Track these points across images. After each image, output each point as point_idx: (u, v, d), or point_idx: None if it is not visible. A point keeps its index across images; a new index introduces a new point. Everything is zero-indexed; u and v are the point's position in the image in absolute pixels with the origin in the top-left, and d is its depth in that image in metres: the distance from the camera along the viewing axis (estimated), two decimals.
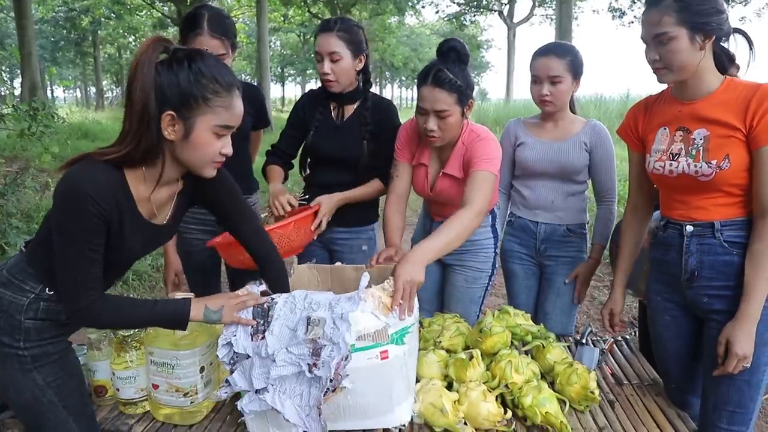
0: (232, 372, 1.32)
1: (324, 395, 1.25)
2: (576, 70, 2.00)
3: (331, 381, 1.24)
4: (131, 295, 1.44)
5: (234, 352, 1.32)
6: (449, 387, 1.53)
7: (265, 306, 1.35)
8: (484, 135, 1.87)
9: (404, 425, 1.42)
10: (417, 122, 1.88)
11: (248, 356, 1.31)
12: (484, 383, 1.51)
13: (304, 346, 1.28)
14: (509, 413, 1.45)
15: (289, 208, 1.96)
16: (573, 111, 2.13)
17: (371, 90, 2.15)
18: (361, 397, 1.35)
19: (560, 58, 1.97)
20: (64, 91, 56.68)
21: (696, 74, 1.44)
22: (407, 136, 2.01)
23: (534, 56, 2.05)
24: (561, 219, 2.13)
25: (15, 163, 7.45)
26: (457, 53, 1.77)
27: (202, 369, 1.38)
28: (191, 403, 1.38)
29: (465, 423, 1.42)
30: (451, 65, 1.75)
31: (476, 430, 1.42)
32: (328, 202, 1.99)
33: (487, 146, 1.82)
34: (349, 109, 2.11)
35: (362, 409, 1.37)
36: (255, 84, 2.60)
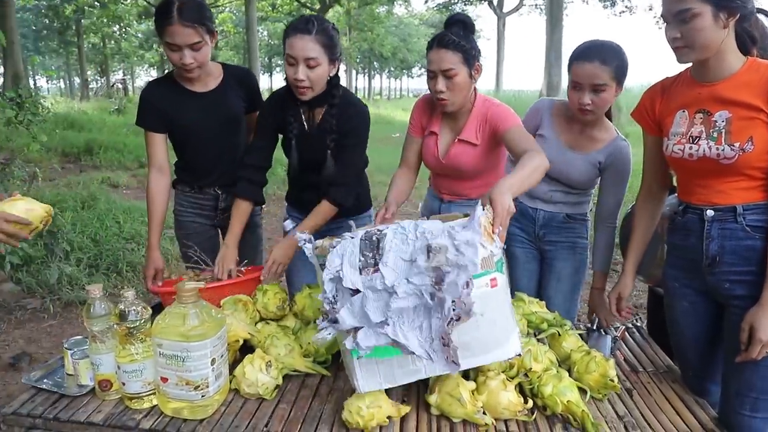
0: (332, 311, 1.27)
1: (448, 324, 1.20)
2: (622, 75, 1.86)
3: (454, 309, 1.19)
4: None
5: (338, 288, 1.27)
6: (466, 376, 1.49)
7: (374, 238, 1.29)
8: (498, 102, 1.95)
9: (519, 354, 1.40)
10: (428, 88, 1.93)
11: (355, 292, 1.26)
12: (501, 372, 1.48)
13: (425, 276, 1.23)
14: (530, 402, 1.41)
15: (226, 278, 1.97)
16: (609, 115, 2.03)
17: (344, 87, 2.01)
18: (478, 329, 1.30)
19: (606, 65, 1.81)
20: (47, 81, 55.75)
21: (717, 54, 1.40)
22: (419, 110, 2.10)
23: (575, 59, 1.87)
24: (560, 209, 2.10)
25: (0, 154, 7.29)
26: (464, 23, 1.86)
27: (213, 361, 1.32)
28: (202, 396, 1.32)
29: (484, 413, 1.38)
30: (455, 30, 1.83)
31: (495, 420, 1.39)
32: (283, 254, 1.96)
33: (506, 109, 1.92)
34: (319, 113, 2.02)
35: (480, 343, 1.33)
36: (245, 67, 2.52)
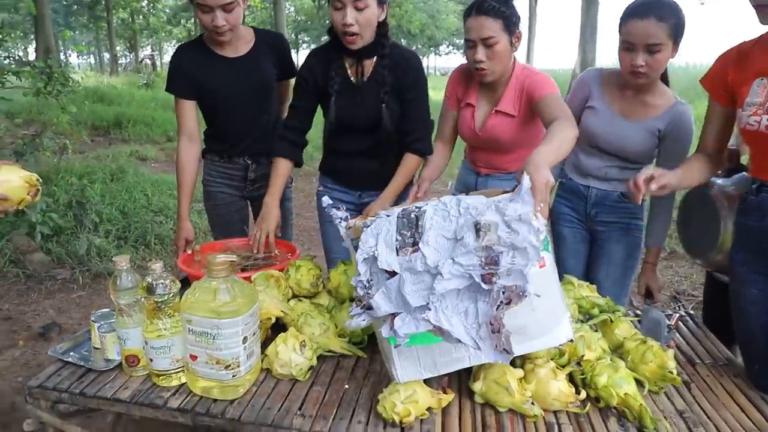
0: (366, 296, 1.18)
1: (497, 309, 1.10)
2: (678, 34, 1.68)
3: (503, 292, 1.09)
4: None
5: (372, 271, 1.18)
6: (512, 363, 1.39)
7: (412, 216, 1.19)
8: (538, 71, 1.87)
9: (572, 340, 1.28)
10: (466, 58, 1.85)
11: (391, 274, 1.16)
12: (551, 360, 1.37)
13: (473, 255, 1.11)
14: (583, 393, 1.30)
15: (263, 248, 1.90)
16: (665, 80, 1.87)
17: (391, 41, 1.89)
18: (528, 314, 1.18)
19: (662, 21, 1.63)
20: (78, 56, 56.49)
21: None
22: (454, 82, 2.01)
23: (627, 16, 1.70)
24: (615, 187, 1.95)
25: (31, 126, 7.36)
26: None
27: (244, 339, 1.24)
28: (233, 376, 1.25)
29: (532, 403, 1.28)
30: None
31: (544, 410, 1.29)
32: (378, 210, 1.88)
33: (545, 78, 1.83)
34: (369, 66, 1.89)
35: (530, 328, 1.22)
36: (277, 32, 2.34)
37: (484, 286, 1.11)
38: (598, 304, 1.58)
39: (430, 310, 1.13)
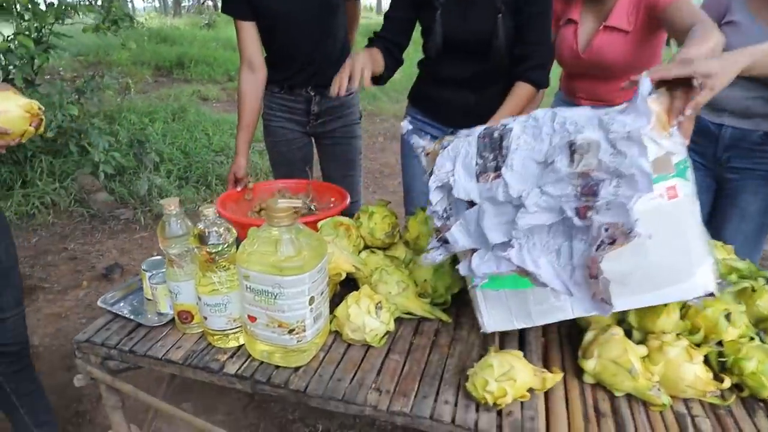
0: (444, 228, 1.02)
1: (597, 249, 0.88)
2: None
3: (606, 230, 0.87)
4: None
5: (450, 200, 1.02)
6: (630, 337, 1.14)
7: (495, 135, 1.00)
8: None
9: (713, 294, 0.99)
10: None
11: (471, 204, 0.99)
12: (679, 335, 1.11)
13: (566, 184, 0.90)
14: (727, 381, 1.04)
15: (357, 84, 1.48)
16: None
17: None
18: (650, 255, 0.95)
19: None
20: (143, 0, 57.38)
21: None
22: None
23: None
24: (758, 125, 1.59)
25: (98, 67, 7.39)
26: None
27: (311, 300, 1.04)
28: (298, 342, 1.06)
29: (659, 389, 1.03)
30: None
31: (672, 398, 1.04)
32: None
33: None
34: None
35: (652, 274, 0.98)
36: None
37: (577, 221, 0.89)
38: (737, 269, 1.28)
39: (512, 247, 0.94)
